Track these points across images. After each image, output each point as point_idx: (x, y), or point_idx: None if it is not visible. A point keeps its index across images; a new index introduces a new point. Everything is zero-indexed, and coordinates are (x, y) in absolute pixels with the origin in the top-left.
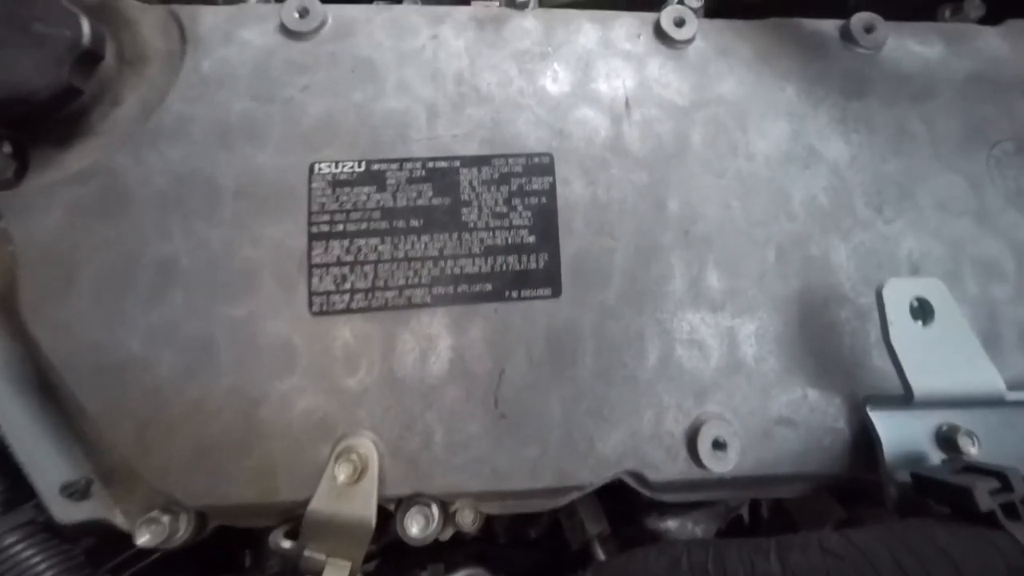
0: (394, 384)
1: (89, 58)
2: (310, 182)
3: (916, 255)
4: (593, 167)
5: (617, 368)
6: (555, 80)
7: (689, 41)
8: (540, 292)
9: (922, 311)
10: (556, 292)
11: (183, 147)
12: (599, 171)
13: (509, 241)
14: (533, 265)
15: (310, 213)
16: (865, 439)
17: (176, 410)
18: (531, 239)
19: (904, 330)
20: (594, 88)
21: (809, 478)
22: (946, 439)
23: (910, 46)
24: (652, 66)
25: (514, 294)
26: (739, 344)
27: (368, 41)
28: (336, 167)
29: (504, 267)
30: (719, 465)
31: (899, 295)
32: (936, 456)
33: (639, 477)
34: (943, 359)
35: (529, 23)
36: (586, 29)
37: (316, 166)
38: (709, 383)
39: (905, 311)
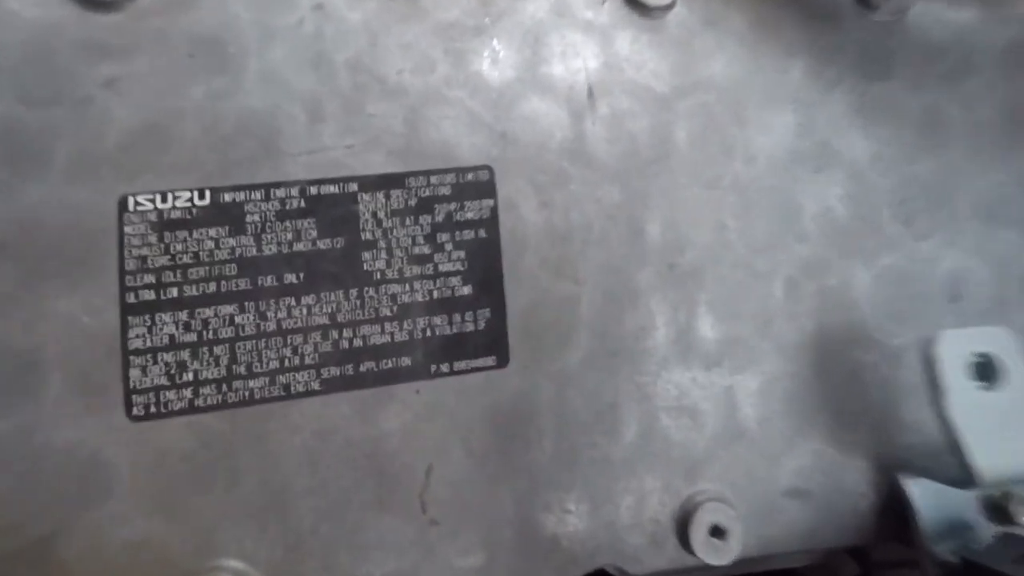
0: (271, 496)
1: None
2: (121, 224)
3: (956, 278)
4: (547, 183)
5: (584, 448)
6: (494, 63)
7: (668, 7)
8: (480, 362)
9: (985, 370)
10: (502, 360)
11: None
12: (555, 188)
13: (434, 295)
14: (470, 326)
15: (123, 273)
16: (894, 505)
17: None
18: (466, 290)
19: (965, 397)
20: (546, 73)
21: (823, 551)
22: (996, 507)
23: (939, 12)
24: (622, 41)
25: (444, 368)
26: (739, 406)
27: (216, 12)
28: (163, 200)
29: (428, 333)
30: (718, 556)
31: (957, 352)
32: (984, 526)
33: (618, 569)
34: (1017, 430)
35: None
36: None
37: (130, 200)
38: (702, 456)
39: (965, 372)
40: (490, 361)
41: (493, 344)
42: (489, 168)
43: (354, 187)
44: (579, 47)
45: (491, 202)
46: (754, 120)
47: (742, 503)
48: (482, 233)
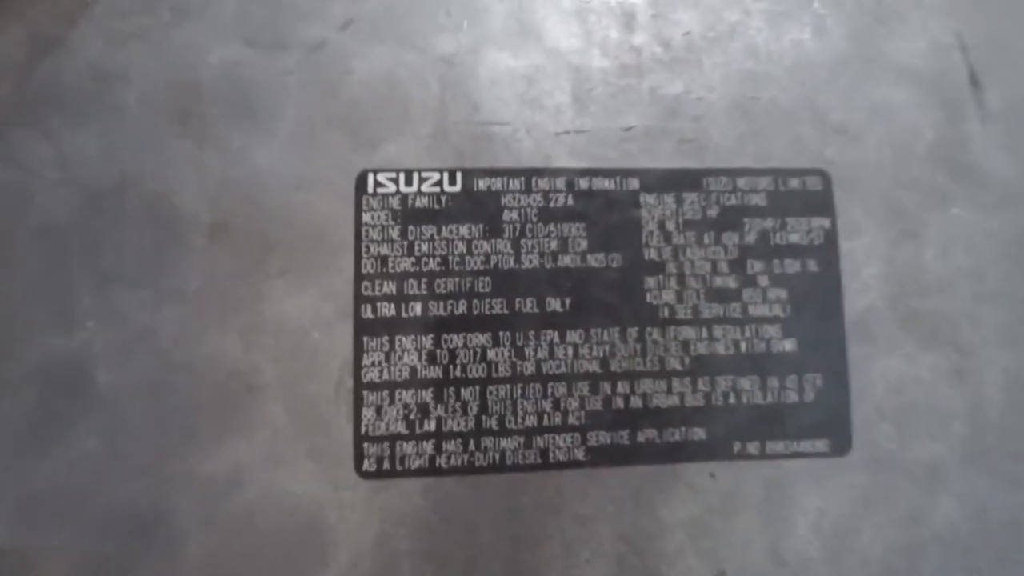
0: None
1: None
2: (359, 210)
3: None
4: (913, 203)
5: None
6: (820, 31)
7: None
8: (806, 446)
9: None
10: (839, 447)
11: None
12: (926, 212)
13: (742, 348)
14: (792, 396)
15: (359, 276)
16: None
17: None
18: (787, 345)
19: None
20: (899, 47)
21: None
22: None
23: None
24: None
25: (752, 448)
26: None
27: None
28: (408, 182)
29: (732, 399)
30: None
31: None
32: None
33: None
34: None
35: None
36: None
37: (370, 178)
38: None
39: None
40: (821, 446)
41: (826, 424)
42: (823, 174)
43: (635, 184)
44: (948, 9)
45: (826, 222)
46: None
47: None
48: (811, 266)
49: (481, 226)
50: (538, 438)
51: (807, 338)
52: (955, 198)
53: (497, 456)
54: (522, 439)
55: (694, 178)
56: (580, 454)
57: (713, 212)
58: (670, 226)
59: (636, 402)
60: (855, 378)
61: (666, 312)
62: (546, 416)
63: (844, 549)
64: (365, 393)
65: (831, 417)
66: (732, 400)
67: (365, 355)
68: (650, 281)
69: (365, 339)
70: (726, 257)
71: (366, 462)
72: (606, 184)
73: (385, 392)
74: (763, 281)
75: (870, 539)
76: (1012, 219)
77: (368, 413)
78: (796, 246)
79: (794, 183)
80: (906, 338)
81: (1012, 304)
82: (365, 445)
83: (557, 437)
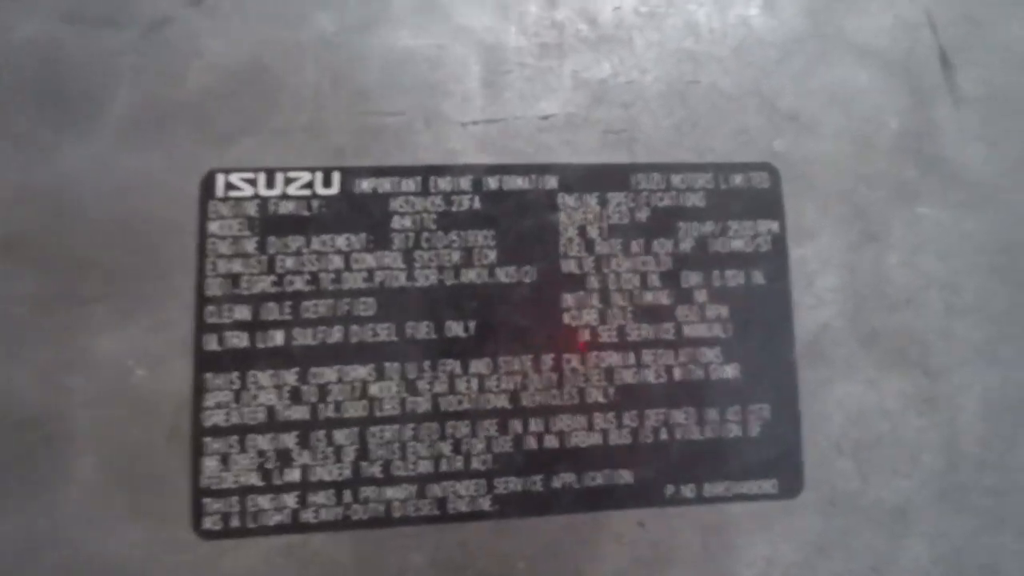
0: None
1: None
2: (203, 217)
3: None
4: (876, 202)
5: None
6: (769, 5)
7: None
8: (751, 487)
9: None
10: (790, 488)
11: None
12: (891, 213)
13: (675, 375)
14: (734, 430)
15: (201, 299)
16: None
17: None
18: (728, 370)
19: None
20: (862, 25)
21: None
22: None
23: None
24: None
25: (687, 492)
26: None
27: None
28: (269, 184)
29: (664, 434)
30: None
31: None
32: None
33: None
34: None
35: None
36: None
37: (219, 179)
38: None
39: None
40: (768, 487)
41: (775, 461)
42: (771, 169)
43: (552, 182)
44: None
45: (774, 225)
46: None
47: None
48: (757, 277)
49: (364, 236)
50: (434, 486)
51: (752, 362)
52: (924, 195)
53: (381, 508)
54: (413, 488)
55: (621, 175)
56: (486, 503)
57: (643, 215)
58: (592, 232)
59: (552, 442)
60: (808, 408)
61: (587, 335)
62: (444, 460)
63: None
64: (207, 440)
65: (780, 453)
66: (664, 436)
67: (207, 395)
68: (569, 299)
69: (208, 376)
70: (657, 268)
71: (207, 520)
72: (519, 183)
73: (234, 438)
74: (700, 296)
75: None
76: (989, 220)
77: (210, 463)
78: (739, 254)
79: (737, 180)
80: (867, 360)
81: (990, 319)
82: (206, 500)
83: (458, 484)
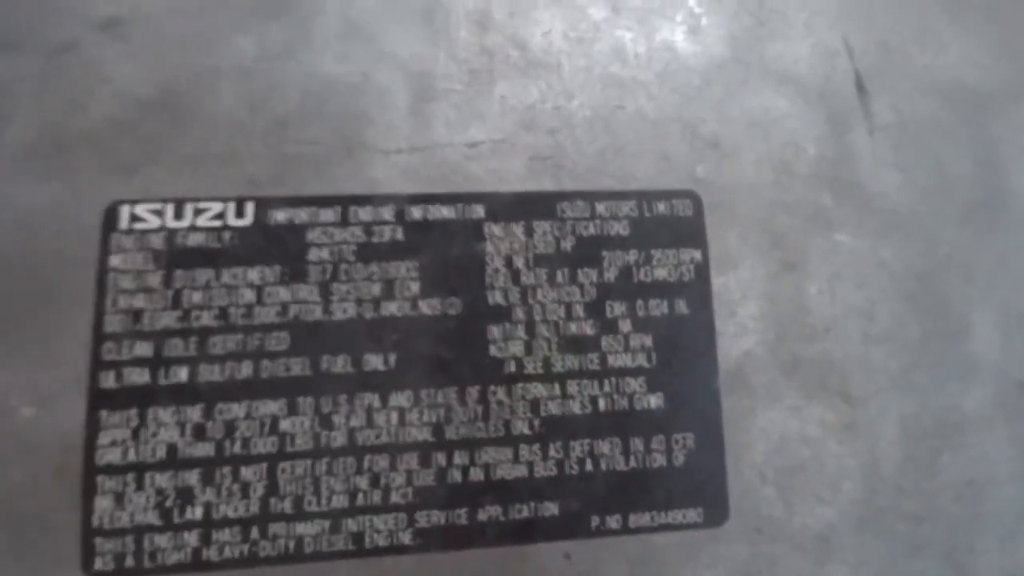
0: None
1: None
2: (104, 251)
3: None
4: (794, 230)
5: None
6: (693, 32)
7: None
8: (676, 517)
9: None
10: (715, 517)
11: None
12: (809, 241)
13: (600, 405)
14: (659, 460)
15: (99, 335)
16: None
17: None
18: (652, 400)
19: None
20: (781, 51)
21: None
22: None
23: None
24: (908, 3)
25: (613, 523)
26: None
27: None
28: (178, 215)
29: (590, 465)
30: None
31: None
32: None
33: None
34: None
35: None
36: None
37: (123, 211)
38: None
39: None
40: (693, 516)
41: (700, 490)
42: (693, 196)
43: (479, 211)
44: (835, 9)
45: (697, 254)
46: None
47: None
48: (680, 306)
49: (278, 268)
50: (349, 521)
51: (676, 392)
52: (840, 223)
53: (291, 544)
54: (327, 523)
55: (548, 203)
56: (406, 538)
57: (568, 244)
58: (518, 262)
59: (477, 474)
60: (731, 437)
61: (512, 366)
62: (361, 495)
63: None
64: (100, 478)
65: (705, 482)
66: (589, 467)
67: (102, 433)
68: (494, 330)
69: (103, 414)
70: (582, 299)
71: (99, 560)
72: (444, 212)
73: (130, 476)
74: (625, 326)
75: None
76: (903, 247)
77: (103, 502)
78: (663, 283)
79: (661, 207)
80: (789, 388)
81: (906, 346)
82: (98, 540)
83: (375, 519)
